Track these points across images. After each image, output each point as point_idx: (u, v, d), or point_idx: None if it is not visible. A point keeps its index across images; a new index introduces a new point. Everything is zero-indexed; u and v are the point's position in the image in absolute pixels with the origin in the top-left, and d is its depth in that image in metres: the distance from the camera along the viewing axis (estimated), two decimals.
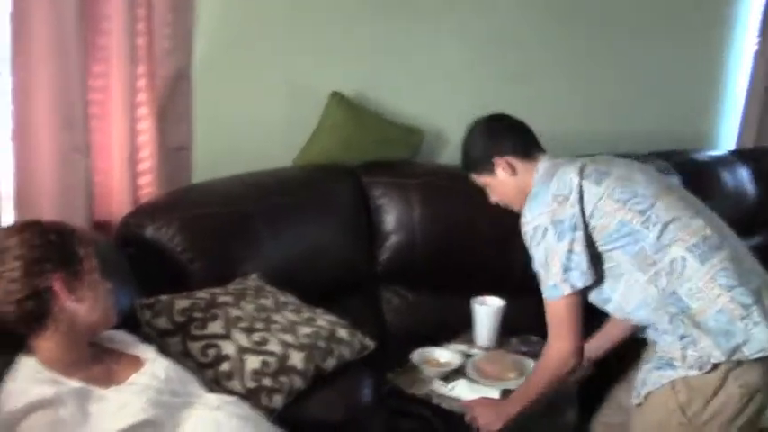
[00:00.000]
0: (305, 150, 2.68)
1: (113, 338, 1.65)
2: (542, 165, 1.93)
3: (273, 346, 1.88)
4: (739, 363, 1.70)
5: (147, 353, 1.64)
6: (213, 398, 1.62)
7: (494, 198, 2.04)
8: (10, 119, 2.09)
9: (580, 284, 1.81)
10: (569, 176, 1.83)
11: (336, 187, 2.62)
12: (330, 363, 1.97)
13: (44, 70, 2.09)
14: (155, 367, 1.59)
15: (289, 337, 1.92)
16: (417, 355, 2.29)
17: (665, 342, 1.79)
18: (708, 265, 1.73)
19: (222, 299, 1.95)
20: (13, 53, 2.06)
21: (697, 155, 3.68)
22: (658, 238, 1.76)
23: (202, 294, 1.96)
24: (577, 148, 3.23)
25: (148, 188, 2.34)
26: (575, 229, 1.80)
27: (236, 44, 2.56)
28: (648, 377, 1.80)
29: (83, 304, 1.50)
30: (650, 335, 1.89)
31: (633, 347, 2.04)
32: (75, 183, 2.18)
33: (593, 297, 1.91)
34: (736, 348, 1.69)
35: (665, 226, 1.77)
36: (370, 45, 2.83)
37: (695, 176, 3.53)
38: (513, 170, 1.95)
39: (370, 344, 2.11)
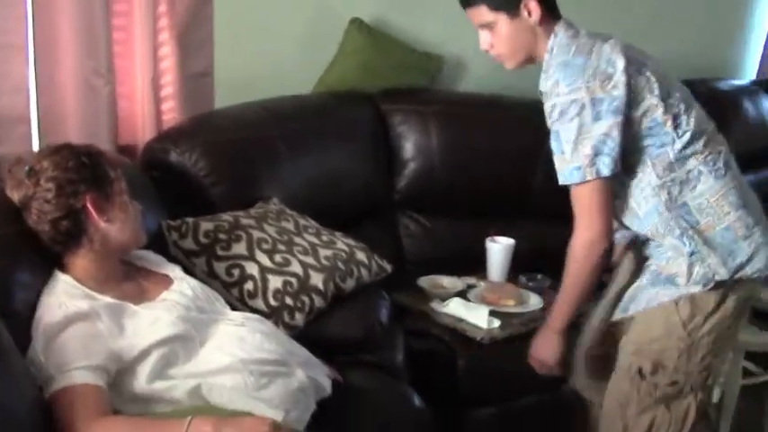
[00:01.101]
0: (325, 77, 2.70)
1: (143, 257, 1.72)
2: (562, 31, 1.74)
3: (295, 267, 1.95)
4: (738, 281, 1.75)
5: (175, 272, 1.72)
6: (237, 315, 1.69)
7: (491, 45, 1.77)
8: (32, 44, 2.12)
9: (606, 172, 1.67)
10: (613, 57, 1.67)
11: (355, 114, 2.64)
12: (349, 284, 2.04)
13: None
14: (182, 286, 1.67)
15: (309, 259, 1.98)
16: (424, 281, 2.42)
17: (665, 258, 1.76)
18: (721, 183, 1.74)
19: (245, 221, 2.01)
20: None
21: (720, 84, 3.65)
22: (683, 147, 1.71)
23: (226, 217, 2.02)
24: None
25: (171, 114, 2.37)
26: (617, 113, 1.65)
27: None
28: (640, 294, 1.78)
29: (114, 224, 1.57)
30: (647, 249, 1.81)
31: None
32: (98, 108, 2.21)
33: None
34: (740, 267, 1.73)
35: (693, 136, 1.72)
36: None
37: (717, 106, 3.51)
38: (539, 18, 1.72)
39: (388, 267, 2.18)
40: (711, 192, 1.73)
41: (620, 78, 1.65)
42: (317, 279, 1.96)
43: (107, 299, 1.51)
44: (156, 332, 1.49)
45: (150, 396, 1.46)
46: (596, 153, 1.65)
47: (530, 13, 1.71)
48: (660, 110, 1.70)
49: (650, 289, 1.78)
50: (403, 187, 2.69)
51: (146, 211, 1.72)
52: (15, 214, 1.54)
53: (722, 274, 1.71)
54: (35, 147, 2.17)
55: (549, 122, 1.70)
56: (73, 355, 1.39)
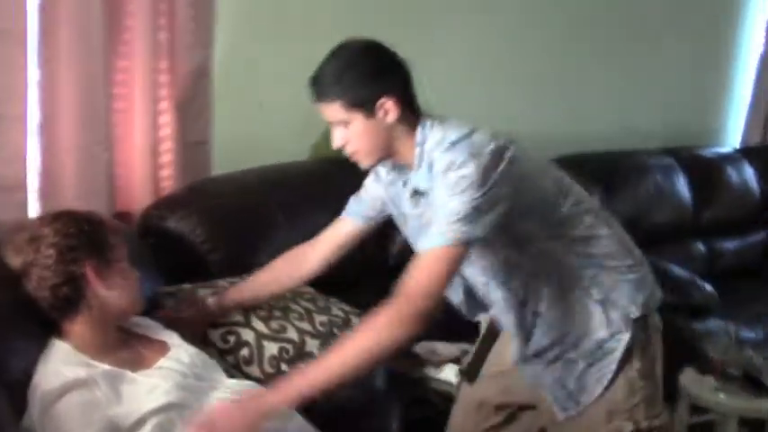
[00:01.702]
0: (319, 143, 2.74)
1: (140, 324, 1.72)
2: (429, 121, 1.64)
3: (291, 334, 1.95)
4: (646, 315, 1.75)
5: (173, 339, 1.72)
6: (234, 383, 1.69)
7: (347, 142, 1.64)
8: (37, 112, 2.16)
9: (480, 233, 1.54)
10: (488, 136, 1.60)
11: (350, 180, 2.67)
12: None
13: (69, 65, 2.15)
14: (180, 353, 1.66)
15: (305, 325, 1.99)
16: (419, 347, 2.40)
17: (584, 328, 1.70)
18: (613, 229, 1.74)
19: None
20: (40, 47, 2.13)
21: (703, 151, 3.75)
22: (573, 205, 1.67)
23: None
24: (587, 146, 3.31)
25: (168, 181, 2.40)
26: (509, 181, 1.56)
27: (255, 40, 2.61)
28: (585, 381, 1.71)
29: (113, 291, 1.58)
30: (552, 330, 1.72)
31: None
32: (96, 175, 2.23)
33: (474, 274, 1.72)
34: (646, 301, 1.74)
35: (574, 194, 1.70)
36: (382, 37, 2.88)
37: (701, 173, 3.60)
38: (397, 118, 1.60)
39: None
40: (609, 238, 1.72)
41: (506, 154, 1.57)
42: (312, 345, 1.96)
43: (105, 366, 1.51)
44: (154, 400, 1.49)
45: None
46: (479, 212, 1.53)
47: (386, 113, 1.60)
48: (546, 179, 1.68)
49: (590, 369, 1.71)
50: (396, 252, 2.70)
51: (143, 277, 1.73)
52: (12, 281, 1.55)
53: (633, 311, 1.71)
54: (31, 214, 2.19)
55: (441, 198, 1.56)
56: (70, 423, 1.39)
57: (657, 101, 3.67)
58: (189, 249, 2.17)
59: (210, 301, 1.91)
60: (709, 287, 3.08)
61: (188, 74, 2.37)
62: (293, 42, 2.70)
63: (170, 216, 2.19)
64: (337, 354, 1.53)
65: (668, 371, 1.84)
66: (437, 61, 2.98)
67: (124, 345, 1.62)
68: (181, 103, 2.37)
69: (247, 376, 1.86)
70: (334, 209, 2.53)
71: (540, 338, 1.75)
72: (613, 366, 1.71)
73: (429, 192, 1.64)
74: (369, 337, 1.53)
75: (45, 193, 2.21)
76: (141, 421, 1.45)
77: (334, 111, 1.61)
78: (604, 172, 3.27)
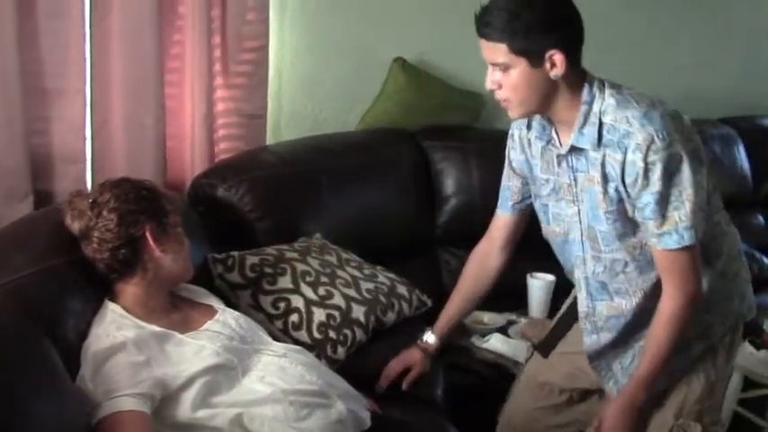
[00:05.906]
0: (368, 114, 2.75)
1: (187, 289, 1.77)
2: (597, 82, 1.56)
3: (338, 300, 1.98)
4: (738, 324, 1.76)
5: (219, 303, 1.76)
6: (279, 346, 1.72)
7: (500, 86, 1.55)
8: (89, 86, 2.21)
9: (702, 228, 1.54)
10: (672, 105, 1.56)
11: (398, 151, 2.69)
12: (390, 317, 2.07)
13: (121, 39, 2.20)
14: (225, 316, 1.71)
15: (351, 292, 2.02)
16: None
17: None
18: (733, 229, 1.74)
19: (289, 255, 2.06)
20: (93, 21, 2.18)
21: (763, 121, 3.63)
22: (708, 201, 1.60)
23: (271, 251, 2.07)
24: None
25: (224, 154, 2.45)
26: (703, 164, 1.52)
27: (306, 13, 2.63)
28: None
29: (168, 255, 1.63)
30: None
31: None
32: (147, 146, 2.29)
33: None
34: (741, 311, 1.74)
35: (717, 189, 1.68)
36: (433, 11, 2.86)
37: (760, 143, 3.49)
38: (563, 73, 1.51)
39: (428, 301, 2.21)
40: (731, 239, 1.72)
41: (691, 128, 1.54)
42: (358, 312, 1.99)
43: (154, 327, 1.56)
44: (201, 361, 1.53)
45: (193, 424, 1.48)
46: (699, 209, 1.52)
47: (553, 65, 1.50)
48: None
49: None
50: (444, 223, 2.71)
51: (191, 244, 1.77)
52: (68, 245, 1.60)
53: (730, 319, 1.73)
54: (89, 185, 2.26)
55: (638, 185, 1.51)
56: (120, 382, 1.43)
57: (716, 68, 3.55)
58: (237, 217, 2.21)
59: (430, 338, 1.94)
60: (767, 260, 3.01)
61: (243, 49, 2.40)
62: (342, 13, 2.71)
63: (220, 184, 2.24)
64: (654, 355, 1.62)
65: None
66: None
67: (173, 308, 1.67)
68: (235, 77, 2.40)
69: (296, 341, 1.90)
70: (378, 179, 2.57)
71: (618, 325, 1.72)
72: (687, 364, 1.69)
73: (588, 152, 1.57)
74: (672, 333, 1.60)
75: (98, 164, 2.28)
76: (189, 381, 1.49)
77: (497, 52, 1.50)
78: None
